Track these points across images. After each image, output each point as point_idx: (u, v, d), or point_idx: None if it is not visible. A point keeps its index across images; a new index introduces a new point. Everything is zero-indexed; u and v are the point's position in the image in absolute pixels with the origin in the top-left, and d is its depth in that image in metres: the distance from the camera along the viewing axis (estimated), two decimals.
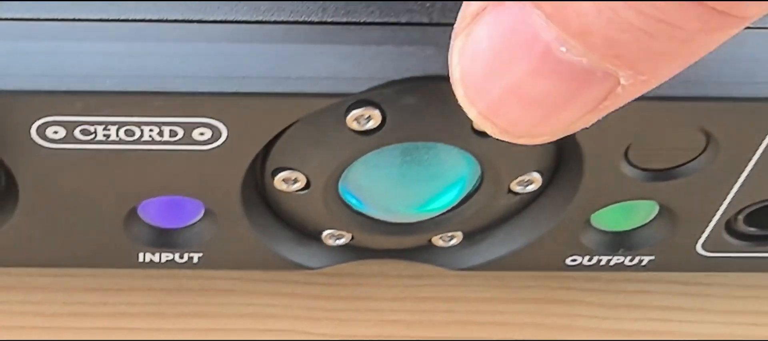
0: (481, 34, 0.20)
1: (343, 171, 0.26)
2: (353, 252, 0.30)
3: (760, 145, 0.26)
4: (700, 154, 0.26)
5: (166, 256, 0.28)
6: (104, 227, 0.27)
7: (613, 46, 0.19)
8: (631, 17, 0.18)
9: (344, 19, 0.24)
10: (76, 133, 0.24)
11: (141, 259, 0.28)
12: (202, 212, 0.28)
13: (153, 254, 0.28)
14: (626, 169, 0.27)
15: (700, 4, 0.18)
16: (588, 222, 0.29)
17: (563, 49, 0.19)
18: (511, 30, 0.19)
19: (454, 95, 0.25)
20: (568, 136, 0.25)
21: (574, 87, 0.20)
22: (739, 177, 0.27)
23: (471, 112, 0.21)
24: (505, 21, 0.19)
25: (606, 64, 0.19)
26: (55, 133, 0.24)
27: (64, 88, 0.23)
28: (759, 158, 0.26)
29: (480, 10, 0.20)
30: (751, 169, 0.26)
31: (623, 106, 0.25)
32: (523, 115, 0.20)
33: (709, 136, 0.26)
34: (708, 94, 0.24)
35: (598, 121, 0.25)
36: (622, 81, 0.20)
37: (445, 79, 0.24)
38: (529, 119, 0.20)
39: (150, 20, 0.23)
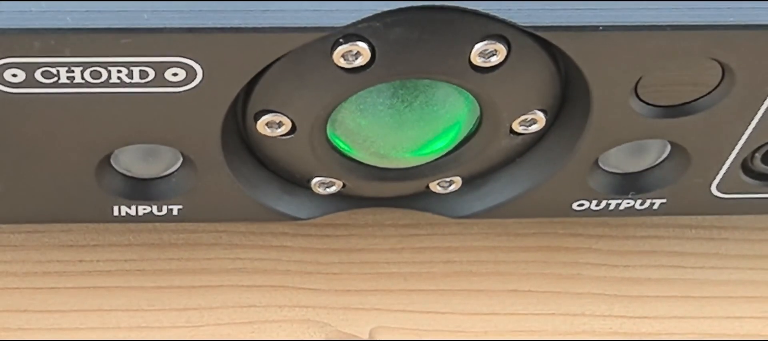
0: None
1: (330, 113, 0.25)
2: (345, 201, 0.28)
3: None
4: (715, 88, 0.24)
5: (143, 209, 0.27)
6: (74, 179, 0.25)
7: None
8: None
9: None
10: (37, 75, 0.22)
11: (116, 213, 0.27)
12: (180, 161, 0.26)
13: (129, 207, 0.26)
14: (636, 105, 0.25)
15: None
16: (595, 163, 0.27)
17: None
18: None
19: (450, 26, 0.23)
20: (575, 68, 0.23)
21: None
22: (756, 112, 0.25)
23: None
24: None
25: None
26: (14, 76, 0.22)
27: (20, 26, 0.21)
28: None
29: None
30: None
31: (632, 38, 0.23)
32: None
33: (724, 68, 0.24)
34: (723, 22, 0.22)
35: (606, 52, 0.23)
36: None
37: (440, 8, 0.22)
38: None
39: None
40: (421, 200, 0.28)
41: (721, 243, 0.31)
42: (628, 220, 0.32)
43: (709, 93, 0.25)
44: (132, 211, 0.27)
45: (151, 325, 0.29)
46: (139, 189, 0.26)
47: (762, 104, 0.25)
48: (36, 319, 0.29)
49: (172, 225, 0.31)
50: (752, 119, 0.25)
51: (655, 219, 0.32)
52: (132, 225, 0.30)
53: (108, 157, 0.26)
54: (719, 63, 0.24)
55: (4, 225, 0.30)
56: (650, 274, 0.31)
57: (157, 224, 0.31)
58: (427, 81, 0.24)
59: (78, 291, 0.30)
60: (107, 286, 0.30)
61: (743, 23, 0.22)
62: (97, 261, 0.30)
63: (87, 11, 0.21)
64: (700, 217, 0.32)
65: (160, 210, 0.27)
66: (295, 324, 0.30)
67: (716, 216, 0.32)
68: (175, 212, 0.27)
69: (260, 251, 0.31)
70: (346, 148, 0.26)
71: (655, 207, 0.28)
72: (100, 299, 0.30)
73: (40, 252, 0.30)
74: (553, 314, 0.30)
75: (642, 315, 0.30)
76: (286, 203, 0.28)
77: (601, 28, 0.22)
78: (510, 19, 0.22)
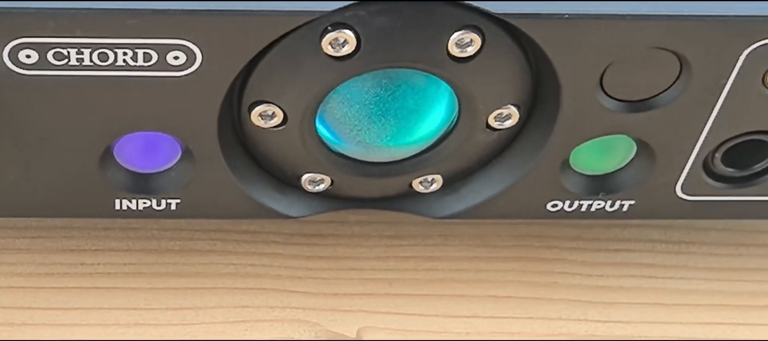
0: None
1: (319, 102, 0.26)
2: (334, 200, 0.30)
3: (733, 69, 0.26)
4: (674, 82, 0.26)
5: (143, 203, 0.28)
6: (79, 168, 0.27)
7: None
8: None
9: None
10: (49, 56, 0.24)
11: (117, 207, 0.28)
12: (180, 154, 0.28)
13: (130, 201, 0.28)
14: (603, 100, 0.27)
15: None
16: (567, 163, 0.29)
17: None
18: None
19: (429, 16, 0.25)
20: (545, 62, 0.25)
21: None
22: (714, 107, 0.27)
23: None
24: None
25: None
26: (28, 57, 0.24)
27: (35, 6, 0.23)
28: (733, 84, 0.26)
29: None
30: (726, 97, 0.26)
31: (596, 26, 0.25)
32: None
33: (681, 61, 0.26)
34: (677, 12, 0.24)
35: (572, 40, 0.25)
36: None
37: None
38: None
39: None
40: (404, 201, 0.30)
41: (689, 256, 0.33)
42: (601, 234, 0.33)
43: (669, 87, 0.27)
44: (133, 205, 0.28)
45: (149, 323, 0.31)
46: (141, 182, 0.28)
47: (719, 98, 0.27)
48: (39, 316, 0.30)
49: (169, 232, 0.32)
50: (710, 114, 0.27)
51: (627, 233, 0.34)
52: (131, 233, 0.32)
53: (111, 150, 0.27)
54: (677, 55, 0.26)
55: (9, 230, 0.32)
56: (623, 283, 0.33)
57: (154, 231, 0.32)
58: (409, 71, 0.26)
59: (79, 290, 0.31)
60: (107, 287, 0.31)
61: (695, 14, 0.24)
62: (98, 263, 0.31)
63: None
64: (669, 232, 0.34)
65: (158, 204, 0.28)
66: (286, 324, 0.31)
67: (685, 232, 0.33)
68: (173, 206, 0.28)
69: (253, 257, 0.32)
70: (333, 139, 0.28)
71: (625, 209, 0.30)
72: (100, 298, 0.31)
73: (43, 256, 0.31)
74: (531, 318, 0.32)
75: (615, 320, 0.32)
76: (278, 201, 0.29)
77: (566, 16, 0.24)
78: (484, 7, 0.24)
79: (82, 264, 0.31)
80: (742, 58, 0.25)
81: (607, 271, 0.33)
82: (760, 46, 0.25)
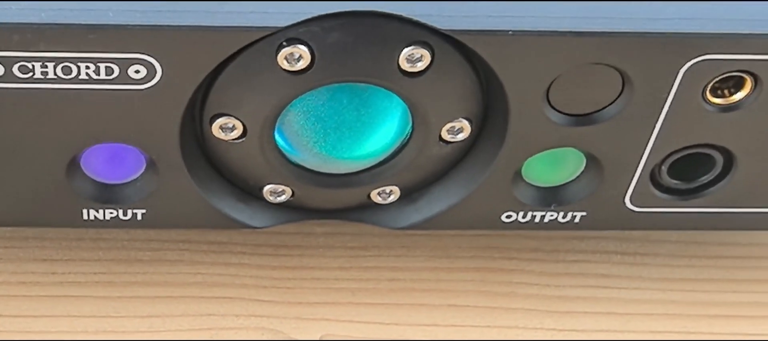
0: None
1: (277, 115, 0.27)
2: (295, 211, 0.31)
3: (673, 84, 0.27)
4: (618, 97, 0.27)
5: (110, 213, 0.29)
6: (47, 179, 0.28)
7: None
8: None
9: None
10: (15, 70, 0.25)
11: (85, 217, 0.29)
12: (144, 166, 0.29)
13: (97, 210, 0.29)
14: (550, 114, 0.28)
15: None
16: (520, 175, 0.30)
17: None
18: None
19: (380, 32, 0.26)
20: (493, 77, 0.26)
21: None
22: (656, 121, 0.28)
23: None
24: None
25: None
26: None
27: (1, 20, 0.24)
28: (673, 99, 0.27)
29: None
30: (668, 112, 0.28)
31: (540, 42, 0.26)
32: None
33: (623, 76, 0.27)
34: (618, 30, 0.25)
35: (517, 55, 0.26)
36: None
37: (369, 14, 0.25)
38: None
39: None
40: (364, 212, 0.31)
41: (643, 267, 0.34)
42: (559, 246, 0.34)
43: (613, 102, 0.28)
44: (100, 215, 0.29)
45: (116, 330, 0.32)
46: (107, 193, 0.29)
47: (661, 113, 0.28)
48: (9, 323, 0.31)
49: (139, 243, 0.33)
50: (654, 128, 0.28)
51: (584, 245, 0.35)
52: (102, 243, 0.33)
53: (77, 161, 0.28)
54: (618, 71, 0.27)
55: None
56: (579, 293, 0.34)
57: (125, 241, 0.33)
58: (363, 85, 0.27)
59: (49, 298, 0.32)
60: (77, 295, 0.32)
61: (634, 31, 0.26)
62: (69, 273, 0.32)
63: (59, 9, 0.24)
64: (625, 244, 0.34)
65: (125, 214, 0.29)
66: (251, 331, 0.32)
67: (639, 244, 0.34)
68: (139, 216, 0.30)
69: (220, 267, 0.33)
70: (292, 151, 0.29)
71: (577, 220, 0.31)
72: (69, 306, 0.32)
73: (15, 265, 0.32)
74: (489, 326, 0.33)
75: (570, 328, 0.33)
76: (241, 211, 0.30)
77: (510, 32, 0.25)
78: (431, 24, 0.25)
79: (53, 273, 0.32)
80: (681, 73, 0.27)
81: (564, 282, 0.34)
82: (698, 62, 0.26)
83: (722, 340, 0.33)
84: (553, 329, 0.33)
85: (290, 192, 0.30)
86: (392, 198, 0.30)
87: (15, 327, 0.31)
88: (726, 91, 0.28)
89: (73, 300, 0.32)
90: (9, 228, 0.32)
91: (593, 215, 0.31)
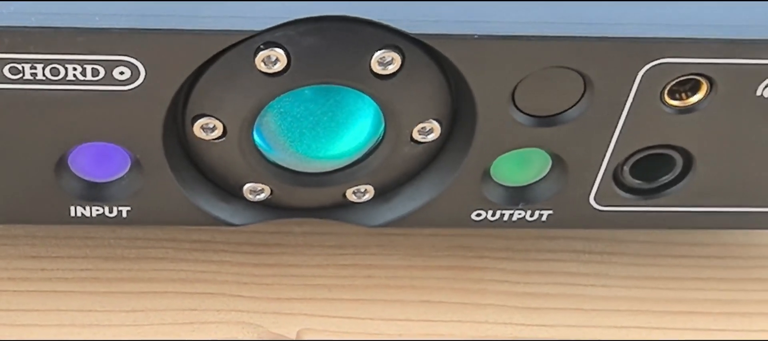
0: None
1: (256, 115, 0.29)
2: (274, 210, 0.32)
3: (632, 87, 0.28)
4: (580, 99, 0.29)
5: (96, 210, 0.30)
6: (36, 178, 0.29)
7: None
8: None
9: None
10: (5, 71, 0.26)
11: (73, 214, 0.31)
12: (129, 164, 0.30)
13: (84, 208, 0.30)
14: (516, 115, 0.29)
15: None
16: (488, 175, 0.31)
17: None
18: None
19: (352, 36, 0.27)
20: (461, 79, 0.28)
21: None
22: (617, 122, 0.29)
23: None
24: None
25: None
26: None
27: None
28: (633, 101, 0.29)
29: None
30: (628, 113, 0.29)
31: (504, 46, 0.27)
32: None
33: (585, 79, 0.28)
34: (578, 34, 0.27)
35: (483, 58, 0.27)
36: None
37: (341, 19, 0.27)
38: None
39: None
40: (340, 211, 0.32)
41: (610, 265, 0.35)
42: (530, 245, 0.36)
43: (575, 104, 0.29)
44: (87, 212, 0.31)
45: (102, 323, 0.33)
46: (94, 191, 0.30)
47: (621, 114, 0.29)
48: None
49: (125, 241, 0.34)
50: (615, 129, 0.29)
51: (553, 244, 0.36)
52: (89, 241, 0.34)
53: (65, 159, 0.30)
54: (580, 74, 0.28)
55: None
56: (548, 290, 0.35)
57: (111, 239, 0.35)
58: (337, 87, 0.29)
59: (38, 293, 0.33)
60: (64, 290, 0.33)
61: (594, 35, 0.27)
62: (57, 269, 0.33)
63: (48, 13, 0.26)
64: (592, 244, 0.36)
65: (111, 211, 0.31)
66: (231, 325, 0.33)
67: (607, 243, 0.36)
68: (124, 214, 0.31)
69: (203, 265, 0.34)
70: (269, 151, 0.30)
71: (544, 219, 0.32)
72: (57, 301, 0.33)
73: (5, 262, 0.33)
74: (461, 321, 0.34)
75: (539, 324, 0.34)
76: (222, 209, 0.31)
77: (476, 36, 0.27)
78: (401, 28, 0.27)
79: (42, 269, 0.34)
80: (639, 76, 0.28)
81: (533, 279, 0.35)
82: (656, 65, 0.28)
83: (685, 339, 0.34)
84: (523, 324, 0.34)
85: (269, 191, 0.31)
86: (367, 197, 0.31)
87: (4, 321, 0.32)
88: (683, 94, 0.29)
89: (61, 295, 0.33)
90: None
91: (560, 213, 0.32)
